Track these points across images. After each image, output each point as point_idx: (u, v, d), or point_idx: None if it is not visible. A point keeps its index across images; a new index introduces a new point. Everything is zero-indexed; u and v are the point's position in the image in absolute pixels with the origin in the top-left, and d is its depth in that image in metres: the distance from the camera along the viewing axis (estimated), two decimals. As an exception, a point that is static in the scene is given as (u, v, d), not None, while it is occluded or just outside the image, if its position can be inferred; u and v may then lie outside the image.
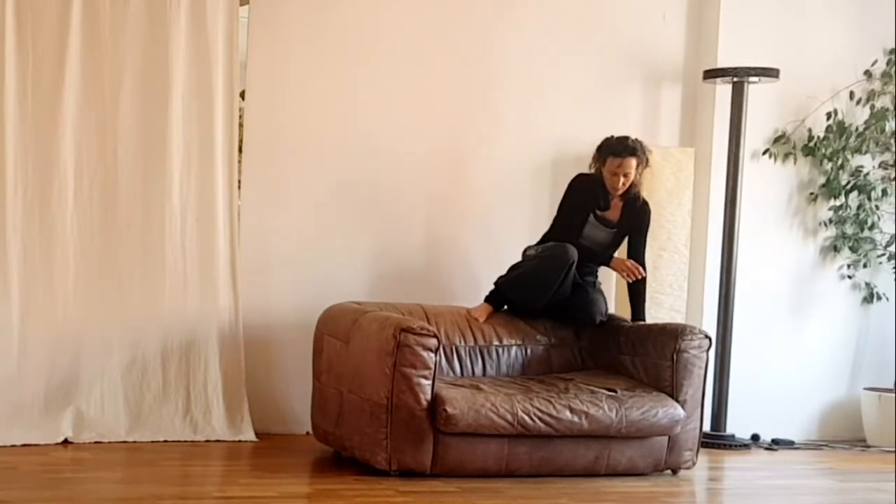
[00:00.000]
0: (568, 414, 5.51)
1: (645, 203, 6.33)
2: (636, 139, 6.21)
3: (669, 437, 5.80)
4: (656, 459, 5.83)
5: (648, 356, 5.95)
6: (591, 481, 5.57)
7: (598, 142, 6.32)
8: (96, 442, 5.99)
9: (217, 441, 6.22)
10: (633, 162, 6.15)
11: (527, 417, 5.45)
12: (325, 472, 5.51)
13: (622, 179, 6.16)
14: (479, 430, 5.41)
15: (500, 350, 6.18)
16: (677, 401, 5.77)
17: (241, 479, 5.45)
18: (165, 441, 6.12)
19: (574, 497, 5.27)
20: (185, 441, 6.16)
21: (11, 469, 5.28)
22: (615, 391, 5.71)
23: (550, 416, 5.49)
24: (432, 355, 5.41)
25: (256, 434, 6.31)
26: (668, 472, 5.89)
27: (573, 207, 6.31)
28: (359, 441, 5.56)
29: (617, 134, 6.34)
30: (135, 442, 6.05)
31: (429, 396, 5.39)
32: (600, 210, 6.26)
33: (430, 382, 5.40)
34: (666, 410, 5.70)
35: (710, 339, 5.96)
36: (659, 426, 5.70)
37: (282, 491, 5.30)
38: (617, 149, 6.17)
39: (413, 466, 5.44)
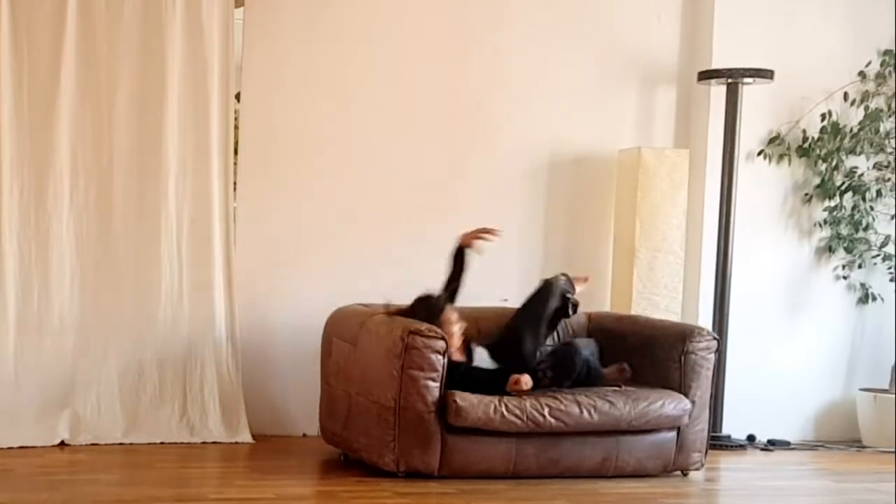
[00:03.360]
0: (576, 409, 5.51)
1: None
2: None
3: (678, 437, 5.79)
4: (665, 460, 5.82)
5: (656, 357, 5.94)
6: (589, 482, 5.57)
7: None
8: (93, 444, 5.99)
9: (214, 443, 6.22)
10: None
11: (536, 413, 5.45)
12: (322, 474, 5.52)
13: None
14: (489, 424, 5.41)
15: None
16: (685, 403, 5.80)
17: (238, 480, 5.46)
18: (162, 443, 6.12)
19: (571, 498, 5.27)
20: (182, 443, 6.17)
21: (8, 471, 5.28)
22: (620, 386, 5.73)
23: (560, 410, 5.49)
24: (440, 357, 5.40)
25: (253, 436, 6.31)
26: (678, 473, 5.90)
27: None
28: (366, 443, 5.57)
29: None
30: (131, 444, 6.05)
31: (436, 398, 5.39)
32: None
33: (437, 384, 5.40)
34: (673, 402, 5.72)
35: (717, 341, 5.97)
36: (667, 416, 5.70)
37: (279, 493, 5.30)
38: None
39: (421, 468, 5.44)
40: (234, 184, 6.51)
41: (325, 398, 6.04)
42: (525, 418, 5.44)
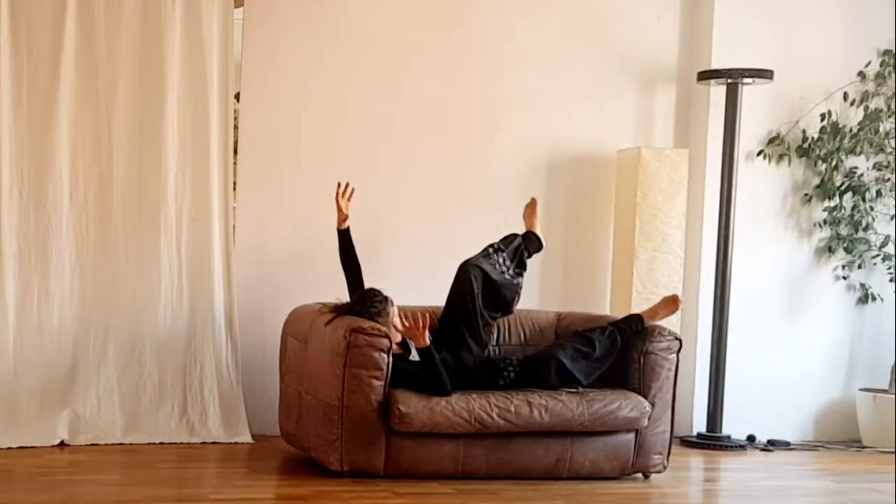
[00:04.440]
0: (526, 409, 5.43)
1: None
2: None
3: (636, 439, 5.69)
4: (622, 462, 5.71)
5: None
6: (588, 483, 5.56)
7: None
8: (92, 444, 5.98)
9: (213, 443, 6.21)
10: None
11: (484, 414, 5.38)
12: (321, 474, 5.49)
13: None
14: (434, 428, 5.35)
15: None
16: (644, 403, 5.70)
17: (238, 481, 5.44)
18: (161, 443, 6.11)
19: (570, 499, 5.27)
20: (182, 443, 6.16)
21: (7, 472, 5.27)
22: (576, 387, 5.64)
23: (508, 411, 5.41)
24: (384, 356, 5.34)
25: (253, 436, 6.31)
26: (639, 475, 5.80)
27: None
28: (314, 442, 5.55)
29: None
30: (131, 444, 6.04)
31: (380, 397, 5.34)
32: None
33: (381, 383, 5.34)
34: (630, 404, 5.60)
35: (679, 341, 5.83)
36: (624, 418, 5.58)
37: (278, 493, 5.32)
38: None
39: (365, 467, 5.40)
40: (234, 184, 6.51)
41: (282, 397, 6.04)
42: (472, 420, 5.36)
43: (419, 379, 5.46)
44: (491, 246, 5.93)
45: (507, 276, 5.86)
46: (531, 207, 6.26)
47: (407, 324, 5.39)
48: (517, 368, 5.72)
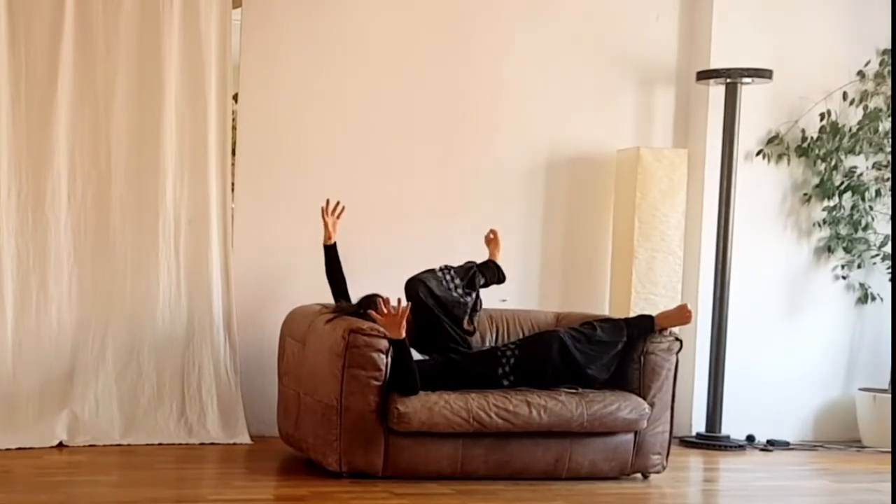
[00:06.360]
0: (525, 408, 5.42)
1: None
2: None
3: (635, 440, 5.68)
4: (622, 462, 5.70)
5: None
6: (587, 483, 5.56)
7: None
8: (91, 445, 5.98)
9: (212, 444, 6.21)
10: None
11: (482, 413, 5.37)
12: (320, 475, 5.49)
13: None
14: (433, 428, 5.34)
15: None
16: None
17: (237, 481, 5.44)
18: (160, 444, 6.11)
19: (569, 499, 5.26)
20: (180, 444, 6.16)
21: (6, 473, 5.27)
22: (576, 388, 5.62)
23: (507, 410, 5.40)
24: (383, 356, 5.33)
25: (251, 437, 6.31)
26: (639, 476, 5.80)
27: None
28: (313, 443, 5.55)
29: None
30: (129, 445, 6.04)
31: (379, 398, 5.34)
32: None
33: (380, 384, 5.34)
34: (630, 405, 5.59)
35: (680, 342, 5.82)
36: (623, 420, 5.57)
37: (277, 494, 5.31)
38: None
39: (364, 468, 5.40)
40: (232, 185, 6.51)
41: (280, 398, 6.05)
42: (470, 419, 5.36)
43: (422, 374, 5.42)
44: (439, 266, 5.95)
45: (453, 294, 5.87)
46: (492, 239, 6.28)
47: (385, 311, 5.32)
48: (516, 352, 5.70)
